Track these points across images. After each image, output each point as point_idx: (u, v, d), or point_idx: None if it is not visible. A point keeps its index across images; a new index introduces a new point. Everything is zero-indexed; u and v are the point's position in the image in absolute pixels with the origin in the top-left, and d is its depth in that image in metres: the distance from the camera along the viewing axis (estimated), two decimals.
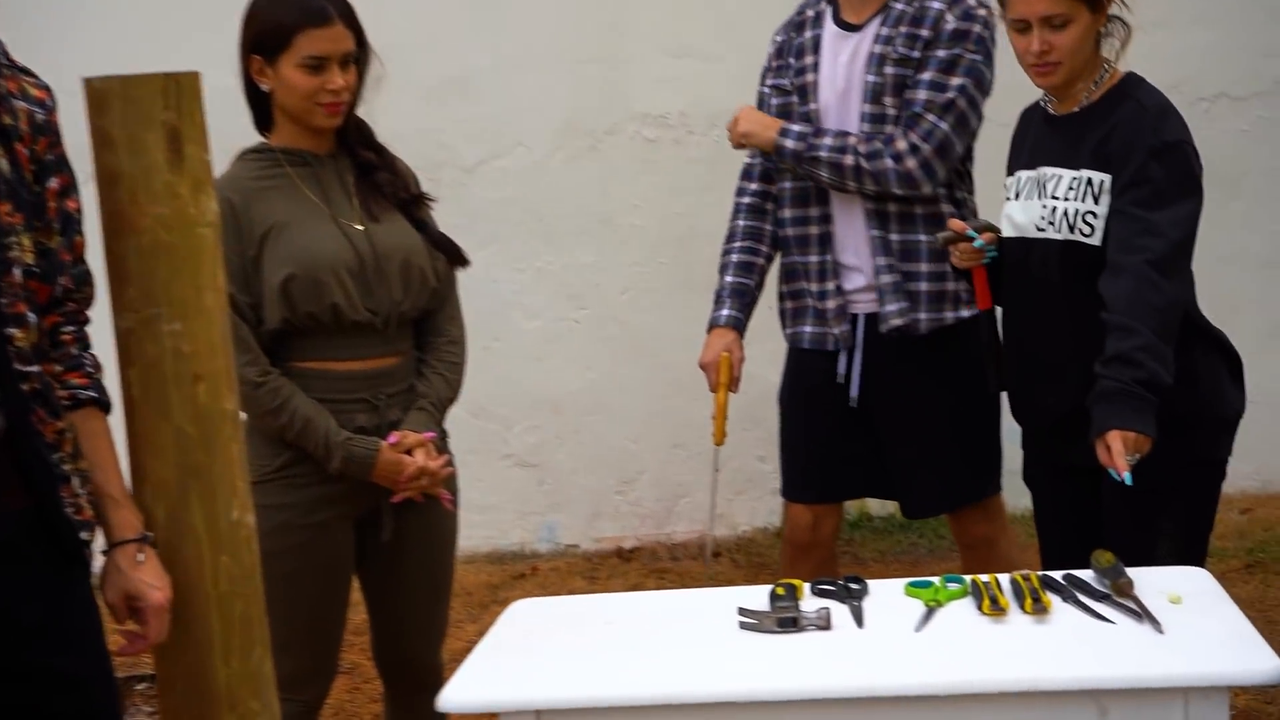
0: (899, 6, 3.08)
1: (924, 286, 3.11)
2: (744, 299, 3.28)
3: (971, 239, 2.80)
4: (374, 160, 2.72)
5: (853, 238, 3.15)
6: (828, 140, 3.07)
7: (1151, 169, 2.53)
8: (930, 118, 3.03)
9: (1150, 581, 2.21)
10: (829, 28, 3.16)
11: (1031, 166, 2.73)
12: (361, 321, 2.60)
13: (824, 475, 3.28)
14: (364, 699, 4.01)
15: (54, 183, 2.01)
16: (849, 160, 3.04)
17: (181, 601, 1.91)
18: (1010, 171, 2.84)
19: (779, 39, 3.29)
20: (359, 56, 2.65)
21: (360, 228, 2.64)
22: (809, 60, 3.16)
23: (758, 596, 2.30)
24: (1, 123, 1.92)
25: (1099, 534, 2.61)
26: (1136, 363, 2.43)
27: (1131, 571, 2.21)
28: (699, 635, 2.17)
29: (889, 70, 3.05)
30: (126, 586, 1.94)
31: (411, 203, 2.75)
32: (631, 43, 5.12)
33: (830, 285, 3.17)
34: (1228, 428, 2.68)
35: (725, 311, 3.27)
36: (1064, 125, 2.70)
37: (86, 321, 2.09)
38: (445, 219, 5.32)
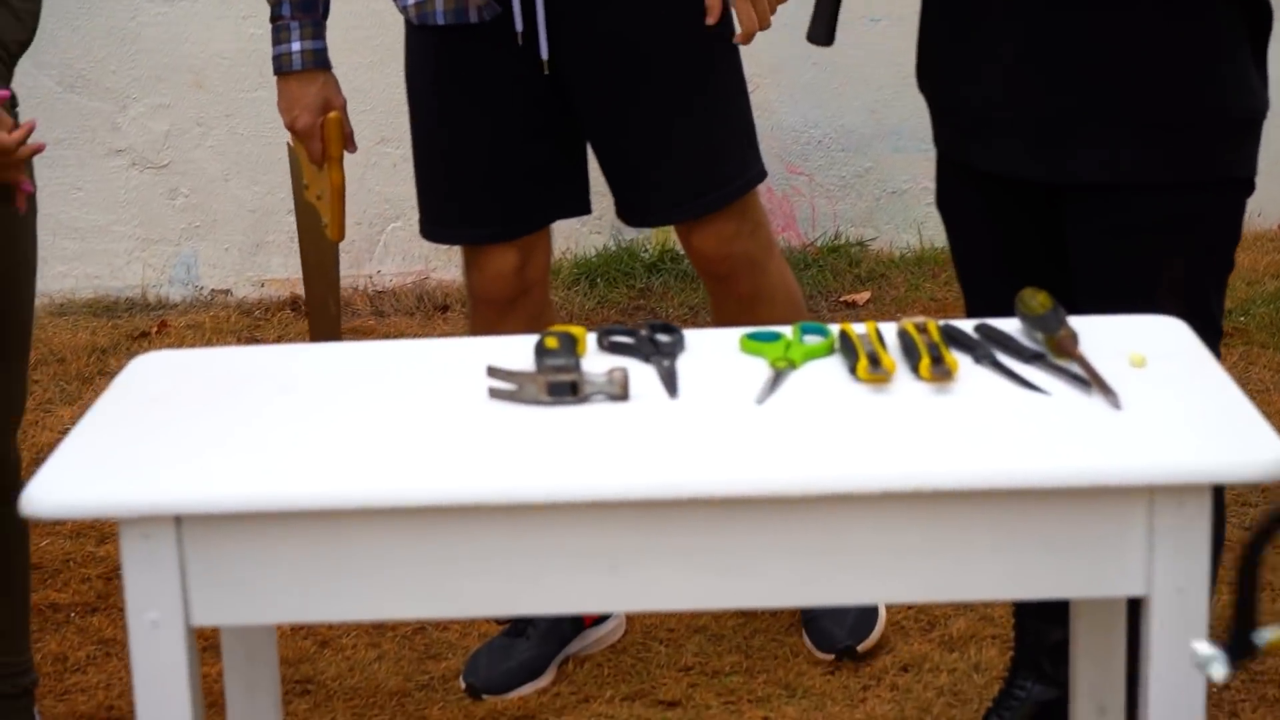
0: None
1: None
2: (316, 10, 3.35)
3: None
4: None
5: None
6: None
7: None
8: None
9: (1103, 335, 2.23)
10: None
11: None
12: None
13: (508, 193, 3.35)
14: None
15: None
16: None
17: None
18: None
19: None
20: None
21: None
22: None
23: (516, 350, 2.26)
24: None
25: (1046, 279, 2.64)
26: None
27: (1073, 321, 2.22)
28: (428, 409, 2.15)
29: None
30: None
31: None
32: None
33: None
34: (1254, 132, 2.75)
35: (298, 45, 3.33)
36: None
37: None
38: None
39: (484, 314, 3.47)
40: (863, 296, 5.17)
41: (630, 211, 3.44)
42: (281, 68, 3.36)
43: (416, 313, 5.18)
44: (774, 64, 5.28)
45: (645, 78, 3.26)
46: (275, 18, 3.35)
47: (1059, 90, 2.71)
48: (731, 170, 3.36)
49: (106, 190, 5.22)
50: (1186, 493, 1.90)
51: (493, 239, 3.38)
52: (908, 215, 5.38)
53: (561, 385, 2.12)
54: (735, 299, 3.33)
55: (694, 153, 3.30)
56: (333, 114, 3.34)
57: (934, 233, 5.33)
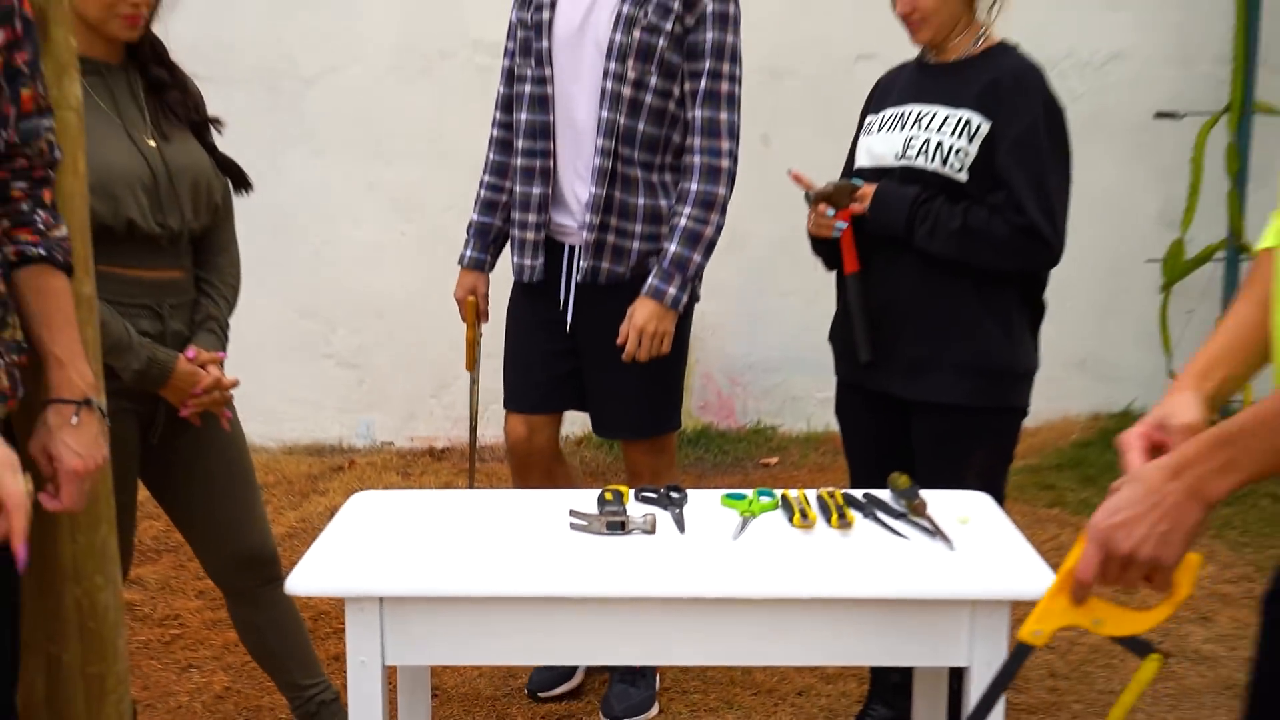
0: None
1: (636, 245, 3.04)
2: (486, 238, 3.26)
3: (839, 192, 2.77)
4: (166, 78, 2.55)
5: (576, 186, 3.06)
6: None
7: (1040, 128, 2.56)
8: (725, 116, 2.99)
9: (941, 502, 2.24)
10: None
11: (900, 104, 2.71)
12: (151, 233, 2.45)
13: (536, 390, 3.23)
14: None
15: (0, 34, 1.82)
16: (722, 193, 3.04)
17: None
18: (874, 112, 2.81)
19: None
20: None
21: (153, 144, 2.48)
22: (547, 1, 3.05)
23: (587, 500, 2.27)
24: None
25: (900, 461, 2.66)
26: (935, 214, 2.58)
27: (925, 493, 2.23)
28: (533, 534, 2.13)
29: (637, 34, 2.94)
30: (49, 444, 1.84)
31: (201, 125, 2.61)
32: None
33: (541, 218, 3.10)
34: (1029, 379, 2.73)
35: (469, 252, 3.27)
36: (945, 71, 2.70)
37: (42, 180, 1.92)
38: (283, 129, 5.17)
39: (512, 461, 3.30)
40: (774, 460, 5.06)
41: (595, 425, 3.25)
42: (459, 261, 3.26)
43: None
44: (727, 320, 5.29)
45: (615, 353, 3.04)
46: (469, 229, 3.25)
47: (913, 344, 2.69)
48: (660, 419, 3.17)
49: (320, 380, 5.17)
50: (994, 604, 1.91)
51: (517, 410, 3.24)
52: (802, 411, 5.34)
53: (615, 523, 2.12)
54: (638, 477, 3.19)
55: (637, 403, 3.13)
56: (471, 298, 3.24)
57: (817, 423, 5.30)
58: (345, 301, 5.15)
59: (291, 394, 5.15)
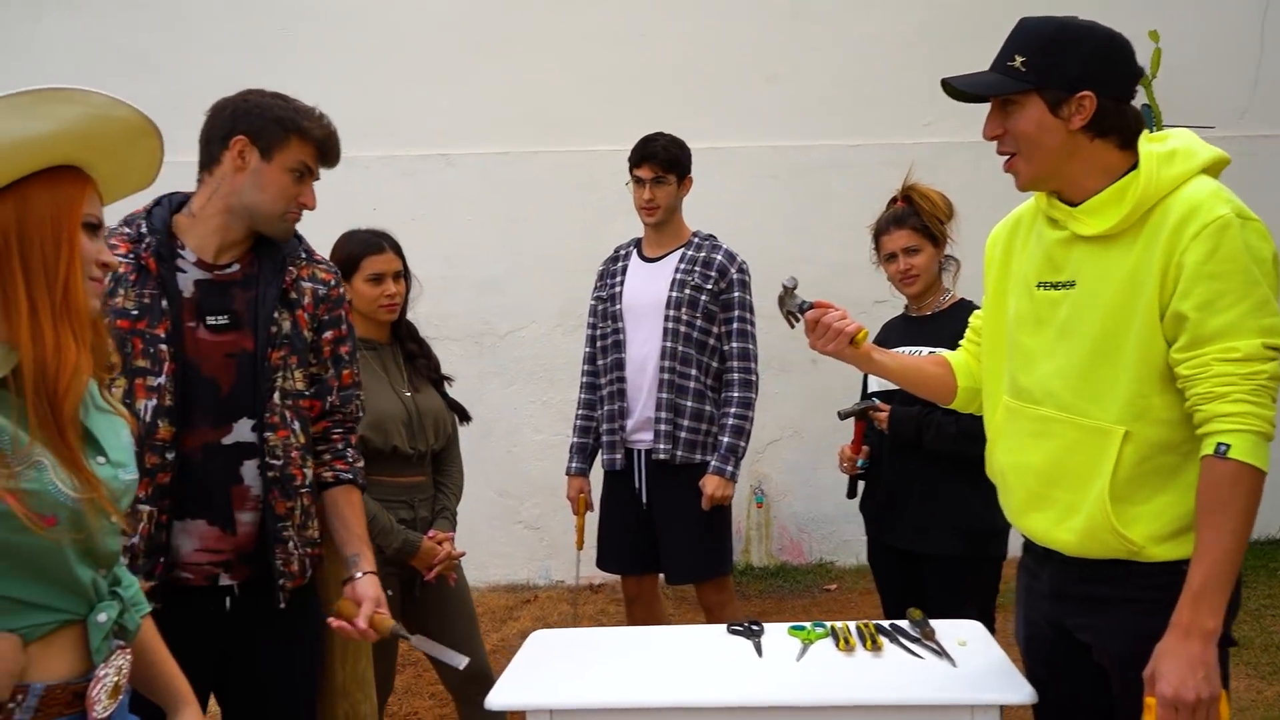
0: (690, 252, 3.11)
1: (684, 435, 3.05)
2: (585, 453, 3.25)
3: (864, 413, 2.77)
4: (416, 350, 2.72)
5: (641, 399, 3.11)
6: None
7: None
8: (750, 346, 3.08)
9: (946, 630, 2.17)
10: (635, 260, 3.20)
11: (898, 345, 2.72)
12: (408, 454, 2.58)
13: (625, 553, 3.19)
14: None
15: (329, 334, 1.99)
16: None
17: None
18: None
19: (601, 268, 3.29)
20: (405, 274, 2.67)
21: (409, 394, 2.62)
22: (618, 280, 3.18)
23: (711, 634, 2.23)
24: (289, 296, 1.93)
25: (916, 596, 2.60)
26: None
27: (933, 622, 2.17)
28: (653, 660, 2.09)
29: (688, 292, 3.05)
30: (357, 594, 1.91)
31: (438, 379, 2.75)
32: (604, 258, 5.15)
33: (620, 424, 3.12)
34: (1005, 534, 2.64)
35: (574, 464, 3.25)
36: (924, 321, 2.73)
37: (351, 429, 2.05)
38: (484, 368, 5.30)
39: (627, 606, 3.24)
40: (834, 586, 4.84)
41: (668, 575, 3.10)
42: (567, 471, 3.24)
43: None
44: (794, 487, 5.17)
45: (679, 517, 3.01)
46: (571, 448, 3.23)
47: (920, 512, 2.62)
48: (715, 564, 3.05)
49: (514, 538, 5.21)
50: (989, 709, 1.83)
51: (617, 570, 3.19)
52: (852, 550, 5.08)
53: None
54: (709, 612, 3.10)
55: (694, 554, 3.03)
56: (580, 495, 3.20)
57: (864, 558, 5.06)
58: (529, 483, 5.18)
59: (493, 549, 5.17)
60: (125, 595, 1.38)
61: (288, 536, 1.91)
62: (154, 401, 1.82)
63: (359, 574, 1.93)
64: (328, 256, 2.59)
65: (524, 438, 5.20)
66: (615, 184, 4.95)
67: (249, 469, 1.87)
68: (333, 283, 2.01)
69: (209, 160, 1.92)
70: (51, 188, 1.27)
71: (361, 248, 2.59)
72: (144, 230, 1.90)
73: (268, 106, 1.90)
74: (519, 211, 5.11)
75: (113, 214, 1.51)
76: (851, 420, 2.81)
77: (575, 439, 3.29)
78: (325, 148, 1.94)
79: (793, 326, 2.02)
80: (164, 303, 1.85)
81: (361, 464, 2.05)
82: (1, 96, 1.19)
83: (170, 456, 1.81)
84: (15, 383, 1.24)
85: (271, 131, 1.88)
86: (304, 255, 1.99)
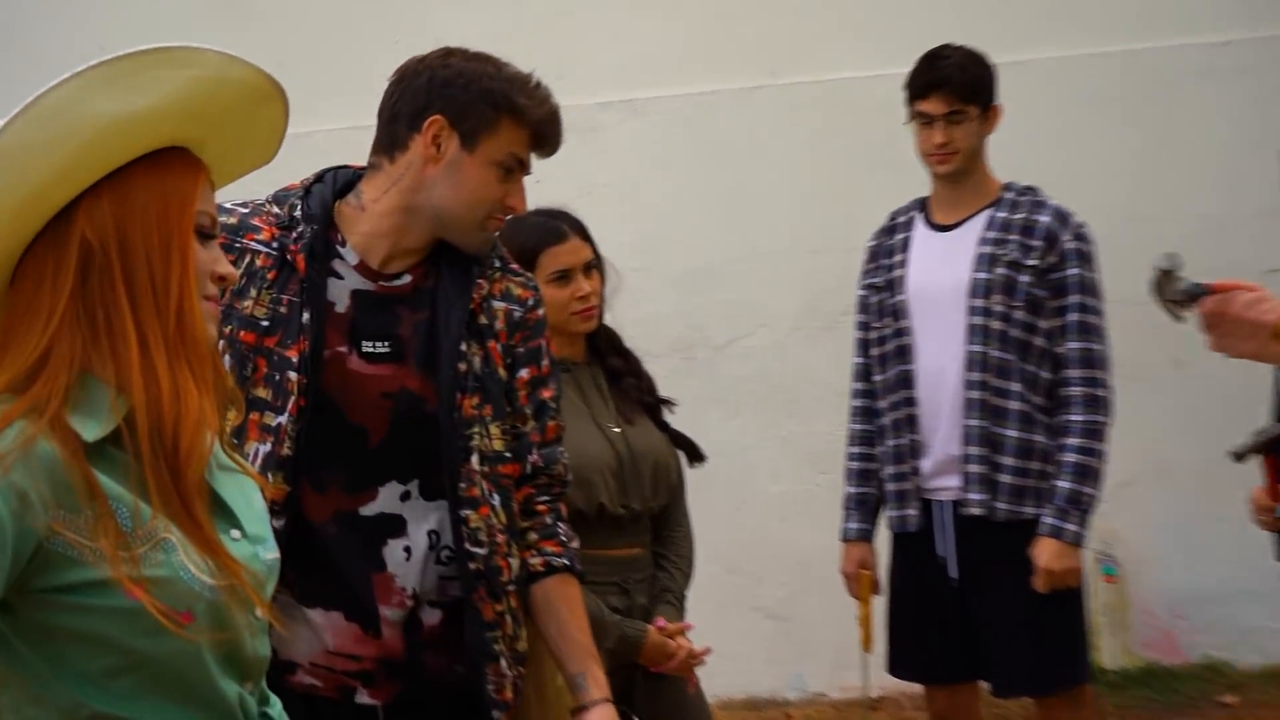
0: (1001, 213, 3.05)
1: (1006, 479, 2.98)
2: (866, 508, 3.21)
3: None
4: (621, 366, 2.70)
5: (941, 428, 3.03)
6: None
7: None
8: (1097, 347, 3.02)
9: None
10: (920, 230, 3.15)
11: None
12: (617, 515, 2.54)
13: (929, 652, 3.09)
14: None
15: (524, 373, 1.99)
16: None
17: None
18: None
19: (871, 244, 3.28)
20: (597, 263, 2.62)
21: (617, 430, 2.59)
22: (898, 258, 3.13)
23: None
24: (478, 323, 1.93)
25: None
26: None
27: None
28: None
29: (1000, 270, 2.99)
30: None
31: (655, 406, 2.72)
32: (863, 231, 5.09)
33: (912, 465, 3.06)
34: None
35: (852, 525, 3.21)
36: None
37: (560, 495, 2.05)
38: (697, 392, 5.31)
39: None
40: (1233, 700, 4.65)
41: (995, 686, 3.10)
42: (843, 536, 3.22)
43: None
44: (1160, 551, 5.02)
45: (1004, 599, 2.97)
46: (846, 502, 3.23)
47: None
48: (1065, 670, 2.99)
49: (753, 633, 5.11)
50: None
51: (919, 679, 3.18)
52: (1256, 645, 4.84)
53: None
54: None
55: (1034, 657, 2.97)
56: (865, 571, 3.17)
57: (1277, 656, 4.87)
58: (768, 554, 5.12)
59: (722, 647, 5.14)
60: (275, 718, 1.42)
61: (499, 651, 1.92)
62: (267, 447, 1.85)
63: (590, 702, 1.94)
64: None
65: (757, 489, 5.16)
66: (873, 125, 4.88)
67: (394, 553, 1.89)
68: (530, 302, 2.03)
69: (391, 142, 1.95)
70: (157, 178, 1.32)
71: (537, 237, 2.56)
72: (298, 215, 1.92)
73: (474, 76, 1.91)
74: (735, 173, 5.09)
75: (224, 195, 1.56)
76: (1256, 456, 2.62)
77: (851, 488, 3.25)
78: (543, 133, 1.95)
79: (1178, 320, 1.98)
80: (305, 315, 1.87)
81: (577, 544, 2.07)
82: (94, 65, 1.24)
83: (279, 525, 1.80)
84: (129, 438, 1.28)
85: (478, 112, 1.91)
86: (498, 265, 2.02)
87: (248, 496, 1.42)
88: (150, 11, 5.24)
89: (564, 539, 2.05)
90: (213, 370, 1.35)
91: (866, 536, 3.23)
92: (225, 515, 1.37)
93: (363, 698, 1.90)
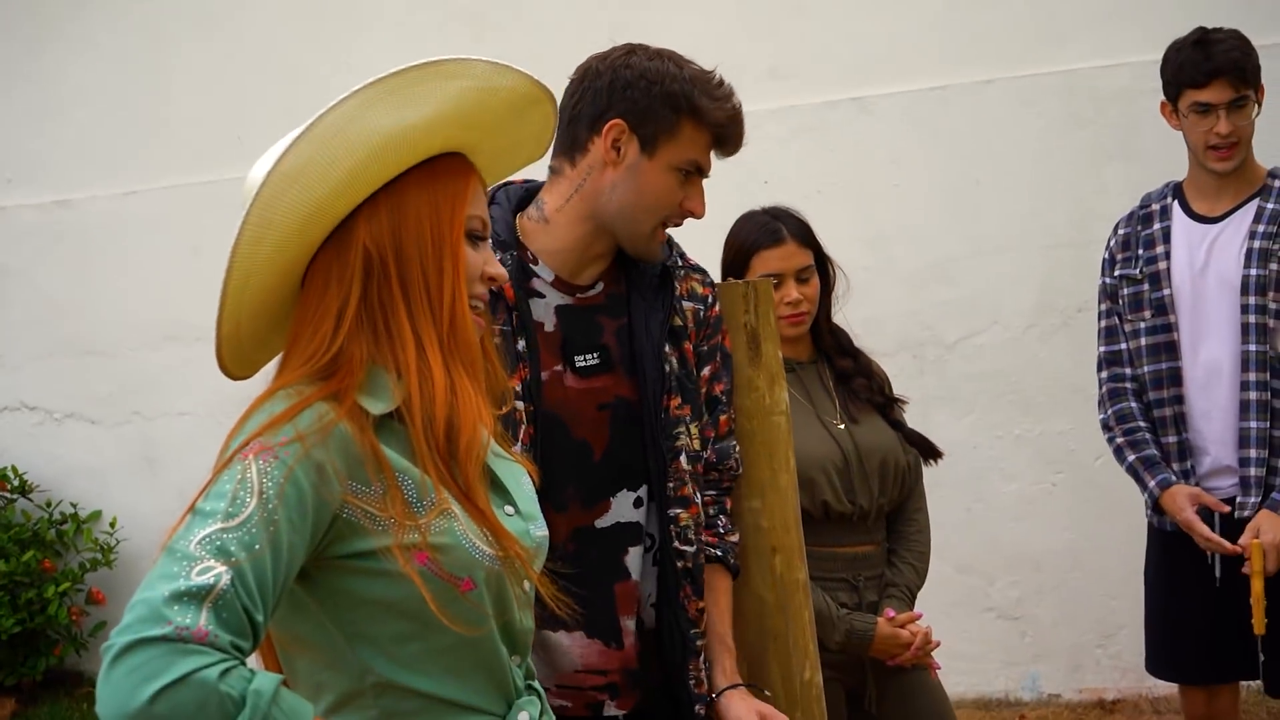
0: (1271, 204, 2.95)
1: None
2: (1165, 463, 3.03)
3: None
4: (850, 367, 2.68)
5: (1209, 428, 2.94)
6: None
7: None
8: None
9: None
10: (1180, 219, 3.03)
11: None
12: (844, 512, 2.55)
13: (1193, 652, 2.99)
14: None
15: (706, 371, 2.03)
16: None
17: None
18: None
19: (1123, 231, 3.14)
20: (820, 266, 2.62)
21: (842, 427, 2.60)
22: (1159, 250, 3.02)
23: None
24: (673, 325, 1.96)
25: None
26: None
27: None
28: None
29: (1274, 266, 2.90)
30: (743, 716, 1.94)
31: (887, 405, 2.70)
32: (1101, 224, 4.96)
33: (1180, 469, 2.96)
34: None
35: (1162, 476, 3.00)
36: None
37: (728, 490, 2.09)
38: (928, 391, 5.29)
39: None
40: None
41: (1268, 684, 2.97)
42: (1161, 486, 2.99)
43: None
44: None
45: None
46: (1140, 466, 3.03)
47: None
48: None
49: (986, 634, 5.06)
50: None
51: (1181, 679, 3.09)
52: None
53: None
54: None
55: None
56: (1255, 541, 2.82)
57: None
58: (1001, 555, 5.03)
59: (955, 648, 5.10)
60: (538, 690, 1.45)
61: (702, 647, 1.96)
62: None
63: (717, 690, 1.96)
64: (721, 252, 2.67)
65: (990, 488, 5.08)
66: (1113, 114, 4.78)
67: (634, 559, 1.91)
68: (710, 300, 2.04)
69: (571, 145, 1.92)
70: (429, 185, 1.37)
71: (754, 238, 2.60)
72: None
73: (656, 77, 1.87)
74: (966, 168, 5.04)
75: None
76: None
77: (1136, 455, 3.04)
78: (725, 134, 1.91)
79: None
80: (520, 343, 1.86)
81: (735, 538, 2.07)
82: (369, 84, 1.30)
83: None
84: (409, 420, 1.34)
85: (659, 115, 1.86)
86: (680, 264, 2.03)
87: (518, 479, 1.47)
88: (396, 29, 5.43)
89: (721, 530, 2.04)
90: (485, 367, 1.39)
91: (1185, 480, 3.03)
92: (500, 493, 1.43)
93: (610, 710, 1.93)
